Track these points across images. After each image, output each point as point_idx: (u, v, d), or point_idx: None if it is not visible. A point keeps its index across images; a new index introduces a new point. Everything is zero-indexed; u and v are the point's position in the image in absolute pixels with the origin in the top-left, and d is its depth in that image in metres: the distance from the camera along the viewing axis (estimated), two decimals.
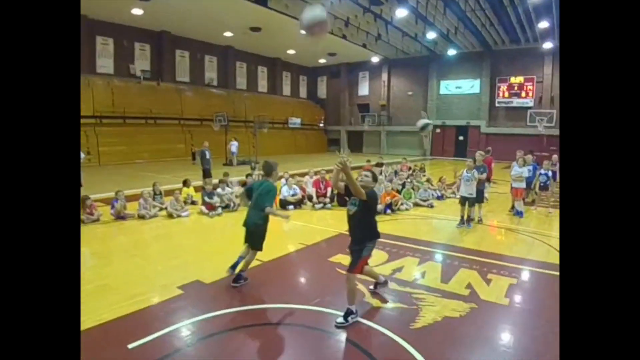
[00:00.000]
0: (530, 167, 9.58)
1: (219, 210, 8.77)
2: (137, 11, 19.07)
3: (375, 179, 4.12)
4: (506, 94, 25.62)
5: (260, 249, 4.80)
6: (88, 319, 3.61)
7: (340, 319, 3.73)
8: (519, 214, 8.95)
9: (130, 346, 3.20)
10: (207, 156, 12.69)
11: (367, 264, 4.27)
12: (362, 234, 3.98)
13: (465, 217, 7.75)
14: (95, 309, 3.86)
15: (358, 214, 3.88)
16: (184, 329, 3.59)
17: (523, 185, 9.08)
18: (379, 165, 14.70)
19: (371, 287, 4.58)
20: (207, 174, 11.98)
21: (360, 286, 4.69)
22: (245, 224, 4.78)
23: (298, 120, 28.89)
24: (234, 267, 4.74)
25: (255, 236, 4.76)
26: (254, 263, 5.45)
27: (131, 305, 3.96)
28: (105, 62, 20.84)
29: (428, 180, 11.77)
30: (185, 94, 23.96)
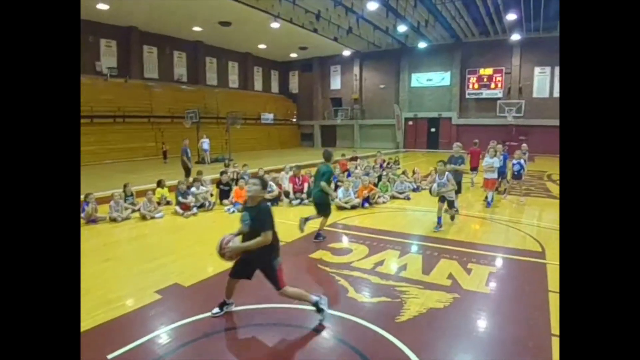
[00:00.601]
0: (501, 157, 9.77)
1: (194, 209, 8.56)
2: (103, 6, 18.29)
3: (264, 186, 3.69)
4: (476, 86, 26.20)
5: (328, 214, 6.59)
6: None
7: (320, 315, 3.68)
8: (488, 204, 9.10)
9: (109, 356, 3.06)
10: (189, 154, 12.36)
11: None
12: (264, 250, 3.55)
13: (449, 213, 7.49)
14: None
15: (254, 231, 3.51)
16: (165, 335, 3.46)
17: (495, 175, 9.24)
18: (354, 159, 14.76)
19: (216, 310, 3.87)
20: (187, 173, 11.68)
21: (342, 282, 4.68)
22: (312, 199, 6.73)
23: (271, 116, 28.60)
24: (307, 219, 6.39)
25: (321, 206, 6.49)
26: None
27: (108, 312, 3.79)
28: None
29: (403, 173, 11.89)
30: (155, 90, 23.27)
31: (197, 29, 23.32)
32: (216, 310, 3.78)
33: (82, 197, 7.99)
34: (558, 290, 4.38)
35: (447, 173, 7.15)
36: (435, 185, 7.08)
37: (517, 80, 24.82)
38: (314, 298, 3.70)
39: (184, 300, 4.26)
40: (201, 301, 4.16)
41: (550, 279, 4.74)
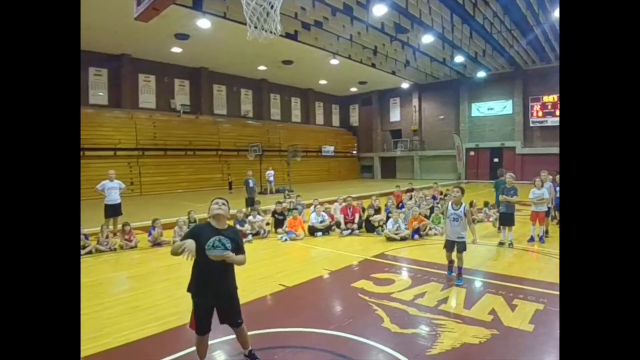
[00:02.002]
0: (547, 186, 9.01)
1: (249, 237, 9.05)
2: (177, 49, 20.47)
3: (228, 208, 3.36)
4: (540, 114, 24.97)
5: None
6: (116, 338, 3.88)
7: None
8: (541, 239, 8.48)
9: None
10: (251, 184, 13.17)
11: None
12: (232, 280, 3.35)
13: (456, 264, 5.80)
14: (124, 328, 4.14)
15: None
16: (209, 349, 3.76)
17: (544, 208, 8.59)
18: (409, 190, 14.64)
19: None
20: (250, 202, 12.41)
21: (380, 311, 4.73)
22: None
23: (331, 148, 29.35)
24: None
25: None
26: (278, 288, 5.63)
27: (158, 327, 4.21)
28: (147, 98, 22.32)
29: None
30: (222, 125, 25.08)
31: (261, 68, 25.00)
32: None
33: (150, 222, 8.86)
34: None
35: (464, 205, 5.74)
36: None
37: None
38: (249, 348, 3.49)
39: None
40: (244, 320, 4.44)
41: None
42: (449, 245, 5.86)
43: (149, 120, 21.34)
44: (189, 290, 3.22)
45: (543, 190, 8.55)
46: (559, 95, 23.18)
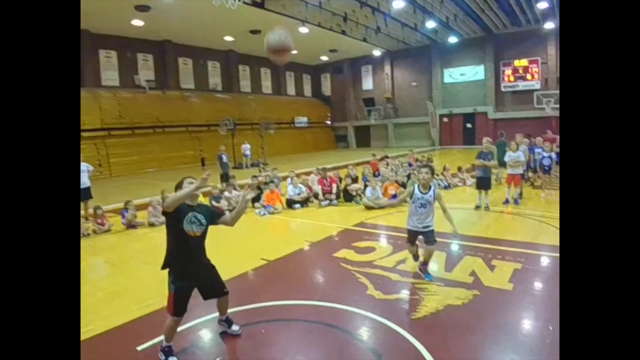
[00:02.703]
0: (522, 149, 9.25)
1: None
2: (138, 22, 19.36)
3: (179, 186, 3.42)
4: (511, 78, 25.31)
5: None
6: (99, 325, 3.77)
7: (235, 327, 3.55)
8: (515, 201, 8.63)
9: (139, 348, 3.34)
10: (224, 160, 12.86)
11: None
12: (206, 256, 3.47)
13: (422, 259, 4.83)
14: (107, 315, 4.02)
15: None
16: (192, 329, 3.71)
17: (520, 171, 8.73)
18: (384, 158, 14.71)
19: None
20: (225, 177, 12.15)
21: (363, 279, 4.77)
22: None
23: (304, 119, 29.00)
24: None
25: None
26: (260, 262, 5.59)
27: (141, 310, 4.11)
28: (110, 75, 21.22)
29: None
30: (191, 100, 24.25)
31: (228, 38, 24.08)
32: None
33: (122, 204, 8.57)
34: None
35: (433, 188, 4.65)
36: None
37: (555, 71, 23.72)
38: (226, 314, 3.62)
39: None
40: (230, 297, 4.40)
41: None
42: (412, 237, 4.79)
43: (113, 99, 20.35)
44: (163, 267, 3.20)
45: (519, 153, 8.62)
46: (559, 75, 23.50)
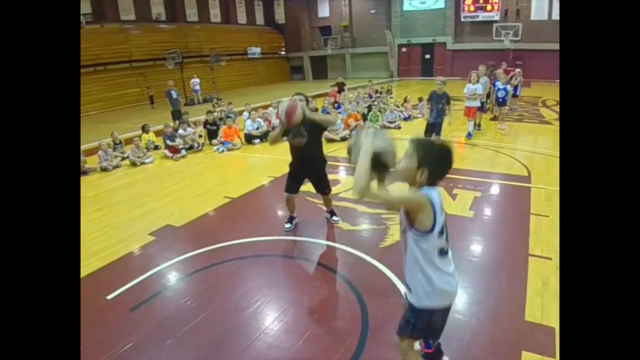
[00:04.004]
0: (483, 82, 9.05)
1: (183, 152, 8.55)
2: None
3: (308, 102, 4.14)
4: (471, 8, 24.77)
5: None
6: None
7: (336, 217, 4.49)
8: (469, 135, 8.41)
9: (109, 297, 3.23)
10: (175, 96, 12.04)
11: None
12: (319, 155, 4.22)
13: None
14: None
15: (314, 140, 3.99)
16: (161, 273, 3.63)
17: (477, 103, 8.49)
18: (339, 86, 14.38)
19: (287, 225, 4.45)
20: (177, 115, 11.44)
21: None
22: None
23: (257, 50, 27.46)
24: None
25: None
26: (223, 201, 5.47)
27: (104, 259, 3.94)
28: None
29: (394, 103, 11.70)
30: (133, 32, 22.05)
31: None
32: (287, 225, 4.37)
33: None
34: (540, 213, 4.51)
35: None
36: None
37: (515, 2, 23.44)
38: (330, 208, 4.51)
39: (177, 239, 4.41)
40: (193, 239, 4.32)
41: (534, 202, 4.86)
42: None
43: None
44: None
45: (477, 86, 8.38)
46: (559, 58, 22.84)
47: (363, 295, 3.11)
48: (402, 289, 3.15)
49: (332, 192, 4.74)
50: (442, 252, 1.84)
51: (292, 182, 4.20)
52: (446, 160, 1.78)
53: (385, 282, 3.27)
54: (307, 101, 4.08)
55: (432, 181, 1.77)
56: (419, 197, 1.74)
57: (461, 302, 2.95)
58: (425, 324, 1.91)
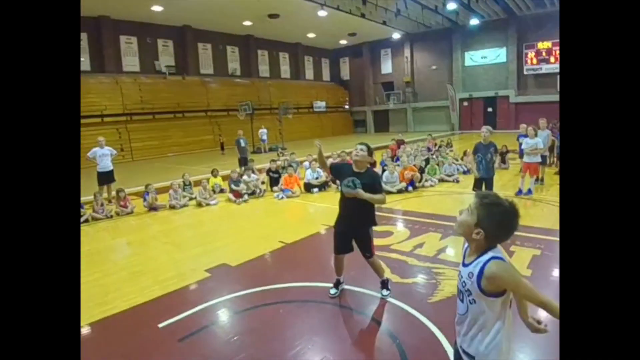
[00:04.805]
0: (544, 135, 8.66)
1: (245, 196, 9.03)
2: (157, 8, 19.44)
3: (370, 153, 3.77)
4: (534, 61, 24.42)
5: None
6: (121, 303, 3.91)
7: (385, 291, 3.93)
8: (529, 191, 7.85)
9: (160, 325, 3.45)
10: (242, 144, 12.99)
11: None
12: (367, 217, 3.81)
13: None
14: (128, 293, 4.16)
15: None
16: (211, 308, 3.81)
17: (538, 159, 7.97)
18: (400, 142, 14.54)
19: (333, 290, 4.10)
20: (244, 162, 12.27)
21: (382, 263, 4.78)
22: None
23: (323, 104, 28.80)
24: None
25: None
26: (278, 245, 5.66)
27: (162, 289, 4.23)
28: (131, 61, 21.46)
29: (453, 156, 11.57)
30: (210, 85, 24.38)
31: (247, 23, 23.96)
32: (332, 291, 4.01)
33: (144, 187, 8.77)
34: None
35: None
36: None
37: None
38: (385, 276, 4.02)
39: (231, 277, 4.62)
40: (246, 279, 4.50)
41: None
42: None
43: (134, 84, 20.63)
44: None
45: (537, 140, 7.90)
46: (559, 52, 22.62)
47: (406, 350, 3.02)
48: (448, 346, 3.03)
49: (384, 244, 4.74)
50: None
51: (339, 242, 3.92)
52: (508, 226, 1.67)
53: (430, 339, 3.16)
54: (370, 152, 3.76)
55: (491, 243, 1.68)
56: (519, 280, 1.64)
57: None
58: None
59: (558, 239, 5.39)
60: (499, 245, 1.71)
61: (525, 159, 8.03)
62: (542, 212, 6.97)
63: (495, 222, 1.65)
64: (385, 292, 3.94)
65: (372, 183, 3.68)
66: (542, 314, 1.94)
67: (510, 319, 1.71)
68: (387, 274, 4.46)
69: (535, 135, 8.11)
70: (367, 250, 3.89)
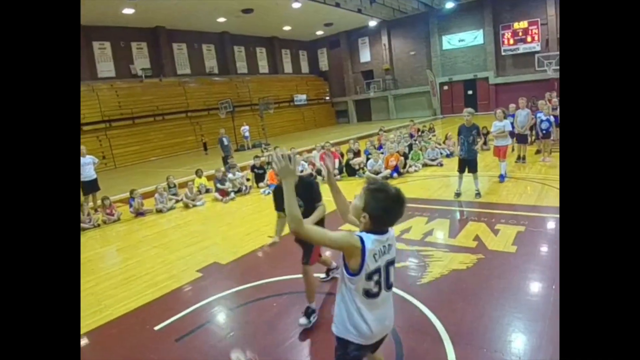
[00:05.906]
0: (525, 113, 8.72)
1: (232, 195, 9.02)
2: (128, 10, 19.02)
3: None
4: (511, 41, 24.73)
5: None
6: (116, 308, 3.92)
7: (303, 319, 3.32)
8: (501, 177, 7.61)
9: (156, 328, 3.48)
10: (226, 143, 12.94)
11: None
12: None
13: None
14: (122, 299, 4.17)
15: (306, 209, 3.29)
16: (205, 307, 3.85)
17: (507, 142, 7.80)
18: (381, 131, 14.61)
19: (322, 275, 4.21)
20: (226, 161, 12.21)
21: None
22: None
23: (303, 97, 28.69)
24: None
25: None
26: (268, 240, 5.69)
27: (155, 292, 4.25)
28: (106, 67, 21.03)
29: (436, 140, 11.72)
30: (189, 85, 24.07)
31: (221, 20, 23.67)
32: (322, 275, 4.21)
33: (128, 194, 8.69)
34: None
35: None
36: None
37: (555, 31, 23.13)
38: (313, 305, 3.46)
39: (222, 276, 4.65)
40: (237, 276, 4.54)
41: None
42: None
43: (111, 90, 20.23)
44: None
45: (505, 122, 7.65)
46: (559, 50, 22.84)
47: (399, 331, 3.11)
48: (440, 326, 3.13)
49: None
50: (368, 294, 1.79)
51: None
52: (392, 212, 1.76)
53: (421, 319, 3.25)
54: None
55: (376, 227, 1.77)
56: (349, 241, 1.71)
57: (500, 340, 2.88)
58: (342, 353, 1.90)
59: (542, 215, 5.56)
60: (391, 229, 1.86)
61: (495, 142, 7.90)
62: (525, 190, 7.13)
63: (380, 207, 1.75)
64: (303, 320, 3.32)
65: (308, 194, 3.33)
66: None
67: (361, 302, 1.81)
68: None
69: (505, 117, 7.96)
70: (306, 256, 3.56)
